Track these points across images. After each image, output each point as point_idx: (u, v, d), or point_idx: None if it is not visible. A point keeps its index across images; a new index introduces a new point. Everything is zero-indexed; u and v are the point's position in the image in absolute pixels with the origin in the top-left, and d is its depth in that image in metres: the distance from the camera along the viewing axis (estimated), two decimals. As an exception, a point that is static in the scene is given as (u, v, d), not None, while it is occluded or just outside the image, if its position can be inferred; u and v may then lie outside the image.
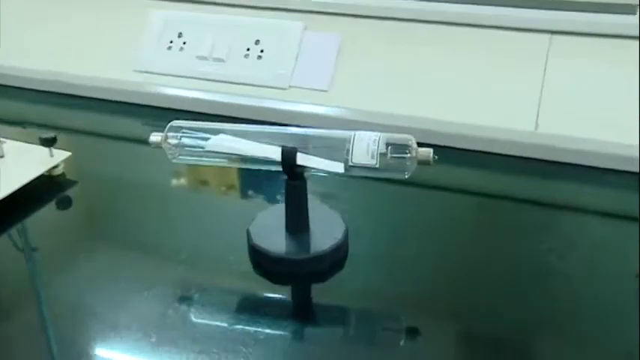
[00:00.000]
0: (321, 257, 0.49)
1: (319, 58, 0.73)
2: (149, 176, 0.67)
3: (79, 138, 0.72)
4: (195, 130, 0.50)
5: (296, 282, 0.49)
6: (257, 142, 0.49)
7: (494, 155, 0.65)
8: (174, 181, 0.67)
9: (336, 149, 0.48)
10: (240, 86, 0.75)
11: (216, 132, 0.50)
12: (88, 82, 0.79)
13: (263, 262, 0.50)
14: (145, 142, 0.50)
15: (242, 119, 0.74)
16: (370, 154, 0.46)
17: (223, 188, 0.65)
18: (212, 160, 0.50)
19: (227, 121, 0.66)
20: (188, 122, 0.51)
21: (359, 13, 0.74)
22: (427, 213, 0.58)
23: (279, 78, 0.74)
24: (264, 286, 0.49)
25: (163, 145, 0.51)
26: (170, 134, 0.51)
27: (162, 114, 0.76)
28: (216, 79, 0.76)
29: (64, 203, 0.62)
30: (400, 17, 0.73)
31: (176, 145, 0.50)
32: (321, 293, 0.48)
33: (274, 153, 0.48)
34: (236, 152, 0.48)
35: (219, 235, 0.55)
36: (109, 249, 0.55)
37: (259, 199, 0.62)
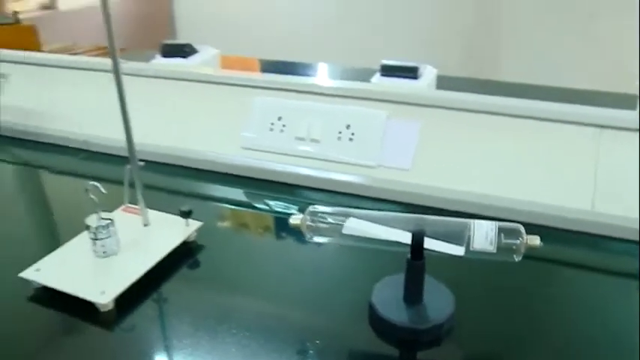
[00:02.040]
0: (439, 326, 0.50)
1: (402, 141, 0.76)
2: (264, 240, 0.68)
3: (200, 205, 0.74)
4: (328, 215, 0.52)
5: (416, 347, 0.50)
6: (383, 225, 0.50)
7: (552, 229, 0.66)
8: (285, 242, 0.68)
9: (454, 234, 0.49)
10: (333, 164, 0.77)
11: (345, 215, 0.51)
12: (205, 157, 0.81)
13: (387, 331, 0.51)
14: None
15: (335, 192, 0.76)
16: (489, 241, 0.47)
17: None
18: (344, 240, 0.51)
19: (322, 194, 0.68)
20: (323, 207, 0.53)
21: (435, 104, 0.77)
22: (516, 282, 0.59)
23: (367, 158, 0.76)
24: (388, 352, 0.50)
25: (302, 227, 0.52)
26: (308, 217, 0.52)
27: (266, 185, 0.78)
28: (312, 157, 0.78)
29: (196, 265, 0.63)
30: (471, 109, 0.75)
31: (313, 229, 0.52)
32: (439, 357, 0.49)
33: (404, 237, 0.49)
34: (371, 236, 0.50)
35: (339, 303, 0.56)
36: (237, 311, 0.56)
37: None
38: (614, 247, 0.65)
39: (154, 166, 0.81)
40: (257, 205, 0.76)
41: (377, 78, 0.90)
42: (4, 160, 0.96)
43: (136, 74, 0.92)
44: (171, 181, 0.82)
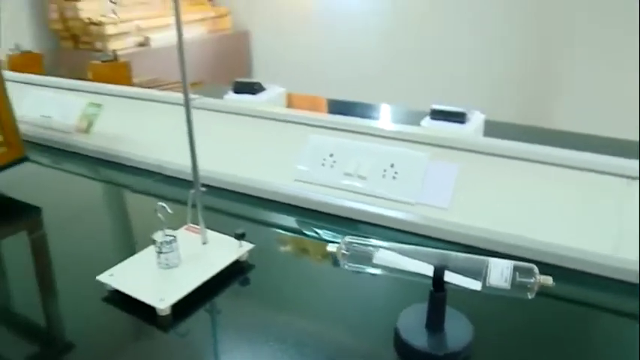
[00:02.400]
0: (457, 353, 0.53)
1: (441, 182, 0.80)
2: (307, 264, 0.74)
3: (253, 229, 0.80)
4: (361, 245, 0.57)
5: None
6: (411, 258, 0.55)
7: (578, 272, 0.68)
8: (324, 267, 0.73)
9: (473, 270, 0.52)
10: (377, 199, 0.82)
11: (376, 247, 0.56)
12: (261, 186, 0.88)
13: (409, 355, 0.54)
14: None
15: (376, 225, 0.80)
16: (504, 279, 0.51)
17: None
18: (374, 269, 0.56)
19: (365, 226, 0.73)
20: (357, 238, 0.57)
21: (473, 148, 0.81)
22: (532, 317, 0.61)
23: (408, 195, 0.80)
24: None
25: (338, 255, 0.57)
26: (343, 246, 0.57)
27: (315, 215, 0.83)
28: (358, 191, 0.83)
29: (246, 282, 0.69)
30: (507, 155, 0.78)
31: (348, 257, 0.57)
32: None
33: (427, 270, 0.53)
34: (397, 267, 0.54)
35: (368, 326, 0.60)
36: (276, 325, 0.61)
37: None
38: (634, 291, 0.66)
39: (215, 191, 0.89)
40: (305, 232, 0.81)
41: (427, 121, 0.95)
42: (92, 178, 1.08)
43: (208, 108, 1.02)
44: (229, 206, 0.89)
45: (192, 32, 3.25)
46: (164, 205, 0.65)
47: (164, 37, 3.06)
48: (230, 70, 3.38)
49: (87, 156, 1.13)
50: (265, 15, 3.43)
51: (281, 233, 0.83)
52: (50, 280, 0.74)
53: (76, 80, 1.27)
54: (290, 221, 0.85)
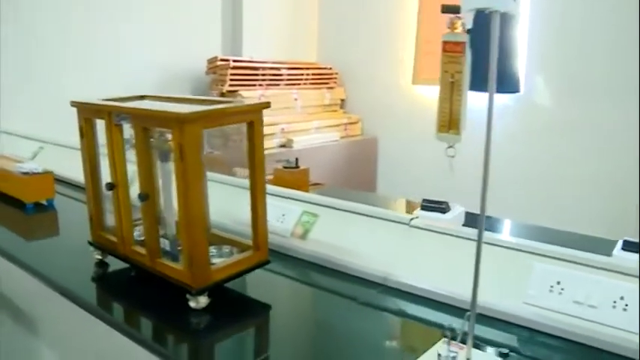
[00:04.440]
0: None
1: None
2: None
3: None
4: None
5: None
6: None
7: None
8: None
9: None
10: (607, 328, 0.87)
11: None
12: (491, 306, 0.96)
13: None
14: None
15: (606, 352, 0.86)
16: None
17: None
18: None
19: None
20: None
21: None
22: None
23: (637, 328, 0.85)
24: None
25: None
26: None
27: (546, 337, 0.90)
28: (588, 319, 0.89)
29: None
30: None
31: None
32: None
33: None
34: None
35: None
36: None
37: None
38: None
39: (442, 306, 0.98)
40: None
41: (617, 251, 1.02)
42: (313, 284, 1.21)
43: (426, 228, 1.14)
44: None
45: (327, 137, 3.52)
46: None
47: (304, 140, 3.34)
48: (355, 174, 3.59)
49: (303, 260, 1.27)
50: (393, 124, 3.65)
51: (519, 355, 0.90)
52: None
53: (293, 190, 1.45)
54: (521, 342, 0.92)
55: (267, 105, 1.05)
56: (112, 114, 1.07)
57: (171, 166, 1.11)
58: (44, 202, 1.72)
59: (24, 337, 1.54)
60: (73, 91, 2.76)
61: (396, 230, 1.21)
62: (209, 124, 0.97)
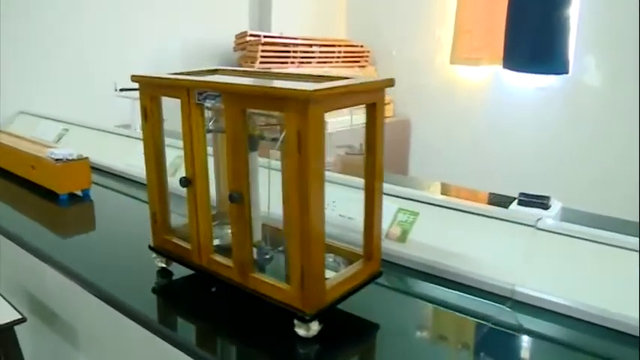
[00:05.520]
0: None
1: None
2: None
3: None
4: None
5: None
6: None
7: None
8: None
9: None
10: None
11: None
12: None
13: None
14: None
15: None
16: None
17: None
18: None
19: None
20: None
21: None
22: None
23: None
24: None
25: None
26: None
27: None
28: None
29: None
30: None
31: None
32: None
33: None
34: None
35: None
36: None
37: None
38: None
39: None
40: None
41: None
42: (421, 297, 1.00)
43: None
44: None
45: (357, 119, 3.28)
46: None
47: (337, 122, 3.10)
48: (386, 157, 3.36)
49: (402, 265, 1.06)
50: (426, 105, 3.42)
51: None
52: None
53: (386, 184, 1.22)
54: None
55: (391, 82, 0.83)
56: (192, 91, 0.84)
57: (256, 157, 0.89)
58: (79, 193, 1.49)
59: (61, 347, 1.33)
60: (95, 67, 2.51)
61: (518, 233, 1.00)
62: (332, 106, 0.75)
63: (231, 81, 0.83)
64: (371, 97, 0.80)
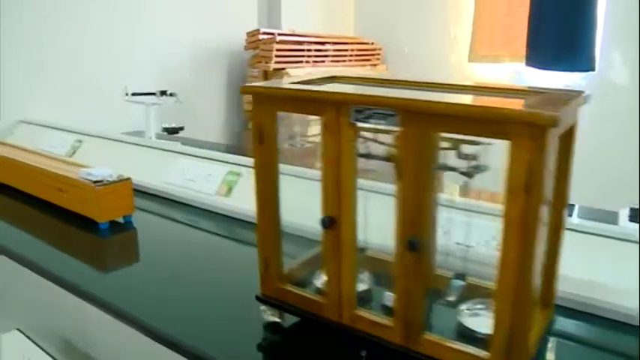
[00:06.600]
0: None
1: None
2: None
3: None
4: None
5: None
6: None
7: None
8: None
9: None
10: None
11: None
12: None
13: None
14: None
15: None
16: None
17: None
18: None
19: None
20: None
21: None
22: None
23: None
24: None
25: None
26: None
27: None
28: None
29: None
30: None
31: None
32: None
33: None
34: None
35: None
36: None
37: None
38: None
39: None
40: None
41: None
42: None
43: None
44: None
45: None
46: None
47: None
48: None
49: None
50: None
51: None
52: None
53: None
54: None
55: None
56: (346, 107, 0.65)
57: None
58: (120, 220, 1.27)
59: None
60: (100, 69, 2.26)
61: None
62: (561, 132, 0.57)
63: (410, 96, 0.64)
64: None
